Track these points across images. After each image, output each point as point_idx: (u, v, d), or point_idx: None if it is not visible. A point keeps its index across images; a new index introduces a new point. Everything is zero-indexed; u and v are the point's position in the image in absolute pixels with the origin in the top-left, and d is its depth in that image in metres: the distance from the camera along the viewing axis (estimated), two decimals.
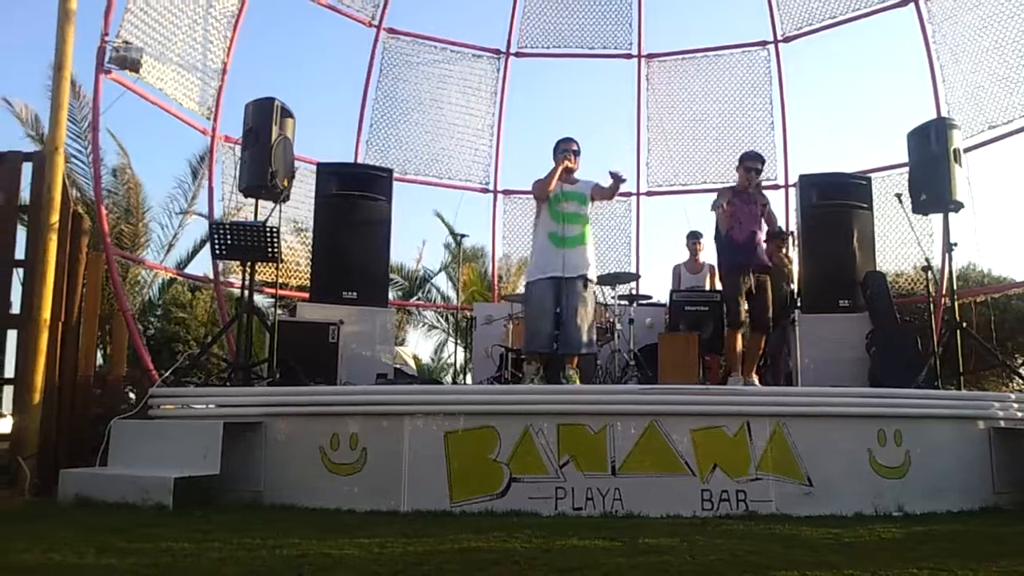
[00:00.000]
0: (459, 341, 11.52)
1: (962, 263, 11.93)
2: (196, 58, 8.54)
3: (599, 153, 16.15)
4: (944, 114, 8.96)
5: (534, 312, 6.31)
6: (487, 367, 7.87)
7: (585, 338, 6.19)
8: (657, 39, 11.62)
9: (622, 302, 8.18)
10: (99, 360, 9.19)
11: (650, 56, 11.43)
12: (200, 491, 5.06)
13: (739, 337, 6.75)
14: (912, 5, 9.48)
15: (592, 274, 6.34)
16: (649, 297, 8.94)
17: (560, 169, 6.32)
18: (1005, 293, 9.78)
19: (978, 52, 8.84)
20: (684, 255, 9.41)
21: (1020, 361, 13.14)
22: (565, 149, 6.46)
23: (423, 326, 18.96)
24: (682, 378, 6.65)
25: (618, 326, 7.88)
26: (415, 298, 17.61)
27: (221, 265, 8.73)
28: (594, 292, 6.38)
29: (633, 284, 8.62)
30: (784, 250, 8.47)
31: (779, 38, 10.84)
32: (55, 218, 5.99)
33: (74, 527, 4.20)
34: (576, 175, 6.50)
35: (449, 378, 16.53)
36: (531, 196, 6.79)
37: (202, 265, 16.68)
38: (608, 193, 6.47)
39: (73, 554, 3.50)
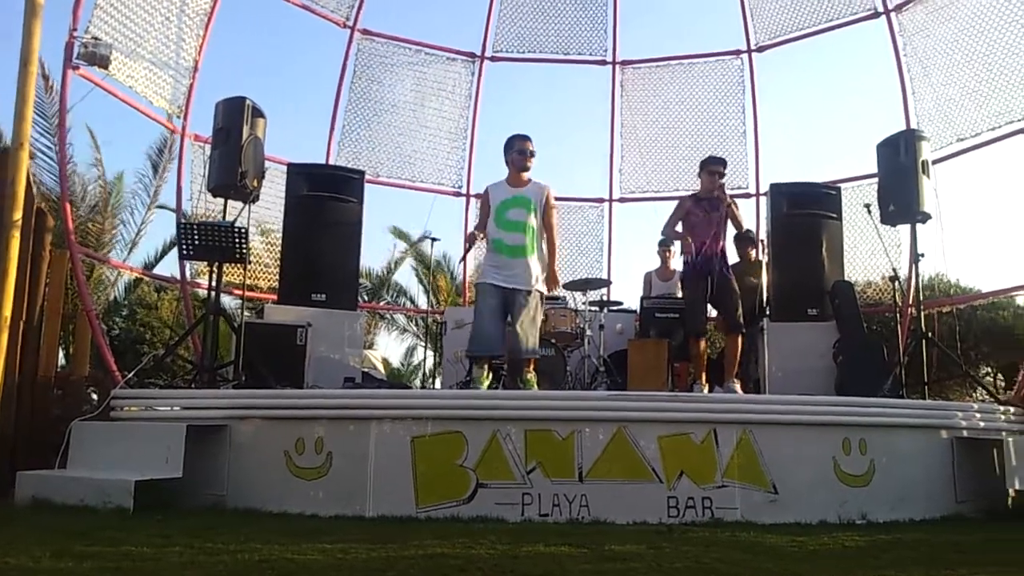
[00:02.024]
0: (429, 345, 11.48)
1: (929, 274, 12.05)
2: (167, 56, 8.43)
3: (571, 158, 16.19)
4: (913, 126, 9.06)
5: (477, 315, 6.18)
6: (456, 372, 7.84)
7: (528, 344, 6.00)
8: (632, 46, 11.65)
9: (593, 308, 8.19)
10: (61, 360, 9.04)
11: (624, 63, 11.46)
12: (162, 495, 4.99)
13: (701, 344, 6.77)
14: (884, 18, 9.60)
15: (538, 286, 6.12)
16: (620, 303, 8.97)
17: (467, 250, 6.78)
18: (970, 304, 9.92)
19: (948, 65, 8.94)
20: (655, 262, 9.45)
21: (984, 371, 13.32)
22: (521, 150, 6.21)
23: (395, 329, 18.88)
24: (651, 385, 6.67)
25: (588, 332, 7.89)
26: (382, 301, 17.50)
27: (189, 266, 8.63)
28: (539, 297, 6.14)
29: (604, 290, 8.65)
30: (753, 252, 8.51)
31: (753, 48, 10.92)
32: (18, 215, 5.87)
33: (30, 530, 4.12)
34: (530, 175, 6.26)
35: (418, 382, 16.50)
36: None
37: (170, 265, 16.49)
38: (548, 216, 6.24)
39: (28, 558, 3.42)
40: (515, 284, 6.05)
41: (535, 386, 6.12)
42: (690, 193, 7.03)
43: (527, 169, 6.25)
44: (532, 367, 6.17)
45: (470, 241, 6.80)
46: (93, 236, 12.90)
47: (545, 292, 6.24)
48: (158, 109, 8.38)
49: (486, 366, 6.14)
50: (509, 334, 6.02)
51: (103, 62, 7.23)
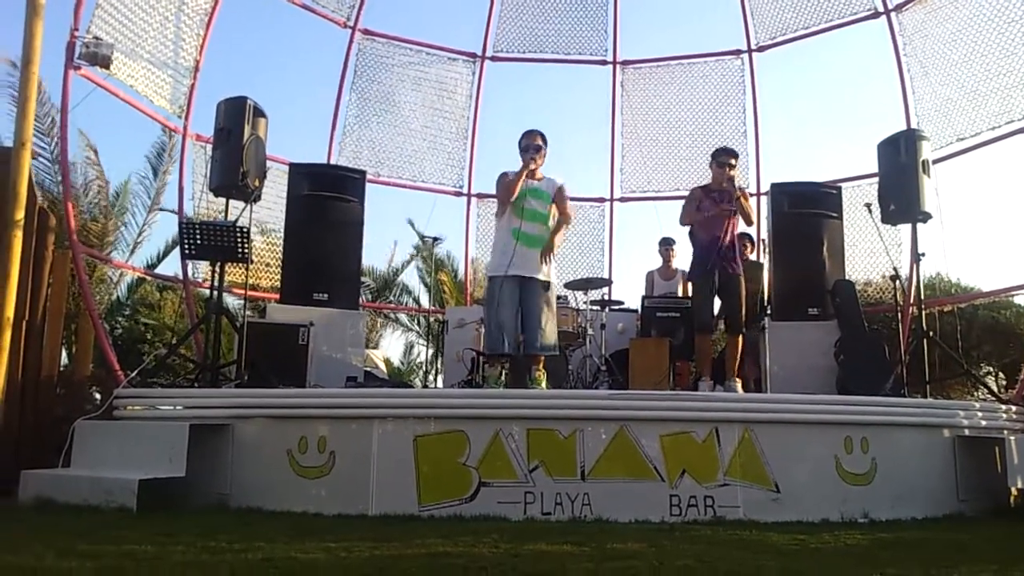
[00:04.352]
0: (431, 344, 11.49)
1: (930, 273, 12.05)
2: (168, 55, 8.46)
3: (572, 158, 16.20)
4: (914, 125, 9.08)
5: (493, 310, 6.07)
6: (458, 371, 7.85)
7: (546, 338, 6.00)
8: (632, 46, 11.68)
9: (594, 307, 8.20)
10: (64, 360, 9.05)
11: (625, 63, 11.49)
12: (165, 494, 4.99)
13: (707, 340, 6.77)
14: (884, 18, 9.62)
15: (552, 278, 6.14)
16: (621, 303, 8.97)
17: (524, 173, 6.05)
18: (972, 303, 9.93)
19: (948, 65, 8.96)
20: (657, 261, 9.46)
21: (985, 370, 13.30)
22: (528, 146, 6.17)
23: (399, 329, 18.87)
24: (653, 384, 6.67)
25: (590, 331, 7.90)
26: (385, 300, 17.49)
27: (192, 266, 8.64)
28: (554, 295, 6.18)
29: (605, 289, 8.65)
30: (750, 252, 8.51)
31: (753, 48, 10.95)
32: (21, 214, 5.90)
33: (34, 529, 4.13)
34: (541, 171, 6.25)
35: (419, 381, 16.50)
36: None
37: (172, 265, 16.47)
38: (563, 208, 6.23)
39: (31, 556, 3.42)
40: (533, 273, 6.03)
41: (543, 385, 6.08)
42: (701, 185, 6.96)
43: (537, 165, 6.20)
44: (541, 365, 6.13)
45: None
46: (96, 236, 12.89)
47: (550, 282, 6.16)
48: (159, 109, 8.39)
49: (499, 365, 6.11)
50: (525, 327, 5.98)
51: (104, 62, 7.25)
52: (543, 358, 6.16)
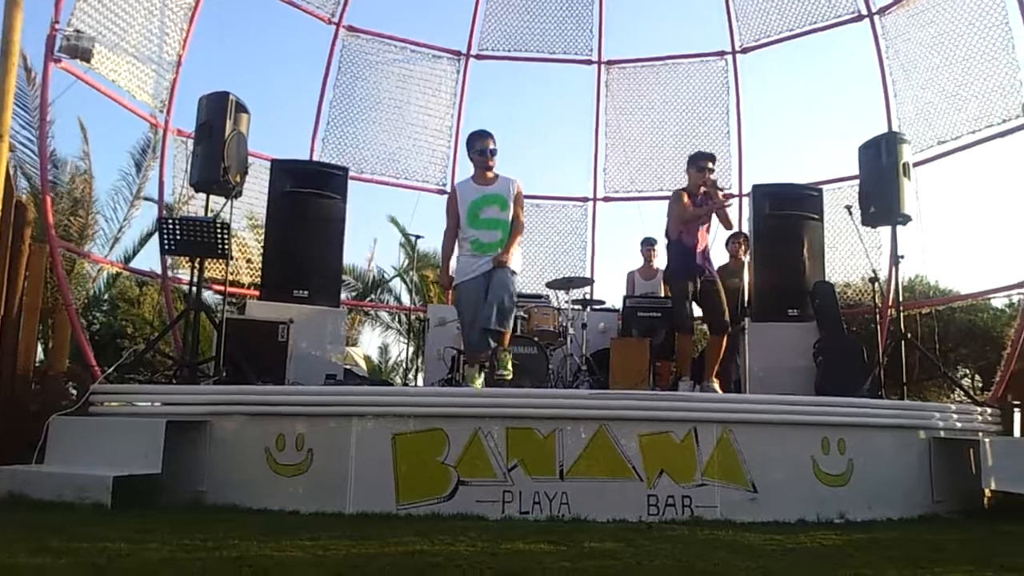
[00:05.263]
0: (412, 342, 11.48)
1: (909, 275, 12.16)
2: (151, 50, 8.39)
3: (556, 157, 16.20)
4: (895, 128, 9.14)
5: (464, 316, 6.12)
6: (439, 369, 7.84)
7: (497, 313, 5.82)
8: (617, 46, 11.69)
9: (575, 306, 8.20)
10: (40, 355, 8.96)
11: (610, 63, 11.50)
12: (140, 491, 4.96)
13: (688, 340, 6.79)
14: (867, 21, 9.67)
15: (513, 266, 6.05)
16: (602, 302, 8.98)
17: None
18: (949, 306, 9.99)
19: (929, 69, 9.01)
20: (639, 261, 9.48)
21: (962, 373, 13.43)
22: (480, 150, 6.17)
23: (379, 326, 18.82)
24: (633, 383, 6.68)
25: (571, 330, 7.91)
26: (369, 299, 17.45)
27: (170, 260, 8.58)
28: (514, 276, 6.07)
29: (587, 289, 8.66)
30: (744, 249, 8.55)
31: (737, 49, 10.98)
32: None
33: (6, 526, 4.09)
34: (497, 171, 6.21)
35: (399, 379, 16.46)
36: None
37: (150, 258, 16.38)
38: (517, 212, 6.17)
39: (3, 553, 3.39)
40: (492, 265, 5.99)
41: (508, 367, 5.97)
42: (682, 188, 6.92)
43: (489, 169, 6.20)
44: (506, 343, 6.04)
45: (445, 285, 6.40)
46: (75, 231, 12.79)
47: (512, 270, 6.05)
48: (141, 103, 8.33)
49: (478, 366, 6.11)
50: (483, 306, 5.90)
51: (85, 55, 7.18)
52: (506, 337, 6.05)
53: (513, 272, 6.06)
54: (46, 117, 7.61)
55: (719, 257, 8.04)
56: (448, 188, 10.99)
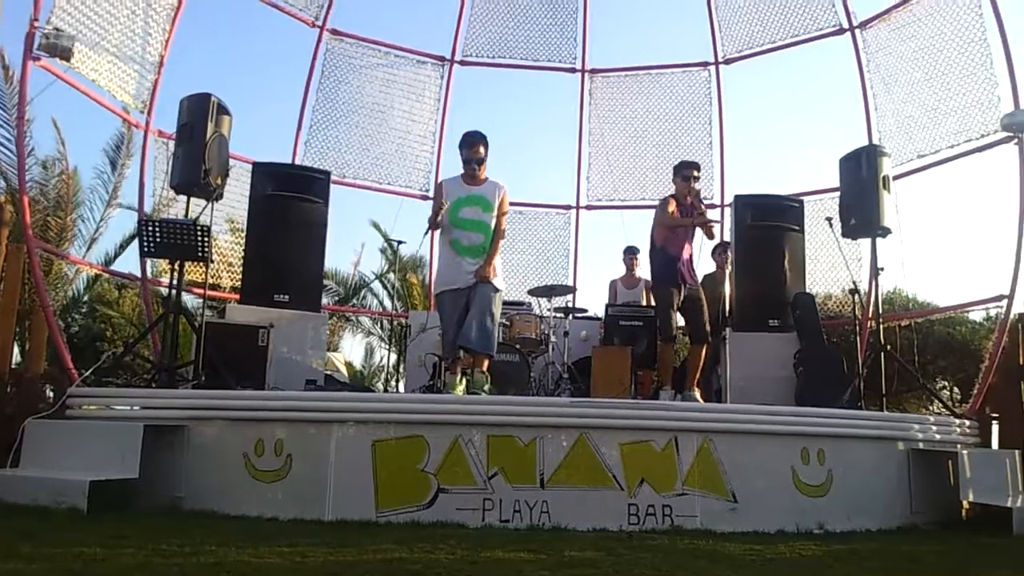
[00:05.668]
0: (393, 348, 11.44)
1: (888, 287, 12.25)
2: (133, 50, 8.32)
3: (539, 164, 16.24)
4: (875, 141, 9.22)
5: (444, 325, 6.16)
6: (421, 375, 7.80)
7: (476, 332, 5.85)
8: (601, 55, 11.73)
9: (558, 314, 8.20)
10: (16, 357, 8.85)
11: (594, 71, 11.54)
12: (117, 495, 4.90)
13: (670, 350, 6.80)
14: (849, 35, 9.76)
15: (497, 282, 6.08)
16: (585, 311, 8.99)
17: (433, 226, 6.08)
18: (928, 318, 10.08)
19: (909, 83, 9.11)
20: (621, 270, 9.50)
21: (940, 384, 13.56)
22: (467, 159, 6.16)
23: (360, 331, 18.75)
24: (614, 392, 6.69)
25: (553, 338, 7.90)
26: (351, 304, 17.38)
27: (150, 263, 8.50)
28: (500, 298, 6.12)
29: (569, 297, 8.66)
30: (728, 263, 8.59)
31: (720, 60, 11.04)
32: None
33: None
34: (487, 174, 6.22)
35: (380, 385, 16.38)
36: None
37: (130, 261, 16.22)
38: (500, 218, 6.17)
39: None
40: (470, 283, 6.01)
41: (483, 389, 5.99)
42: (671, 194, 6.95)
43: (475, 177, 6.19)
44: (485, 367, 6.06)
45: (433, 225, 6.19)
46: (55, 231, 12.66)
47: (496, 287, 6.06)
48: (122, 104, 8.26)
49: (460, 372, 6.09)
50: (464, 325, 5.92)
51: (65, 54, 7.09)
52: (487, 360, 6.08)
53: (497, 290, 6.07)
54: (24, 115, 7.54)
55: (705, 267, 8.09)
56: (431, 193, 10.98)
